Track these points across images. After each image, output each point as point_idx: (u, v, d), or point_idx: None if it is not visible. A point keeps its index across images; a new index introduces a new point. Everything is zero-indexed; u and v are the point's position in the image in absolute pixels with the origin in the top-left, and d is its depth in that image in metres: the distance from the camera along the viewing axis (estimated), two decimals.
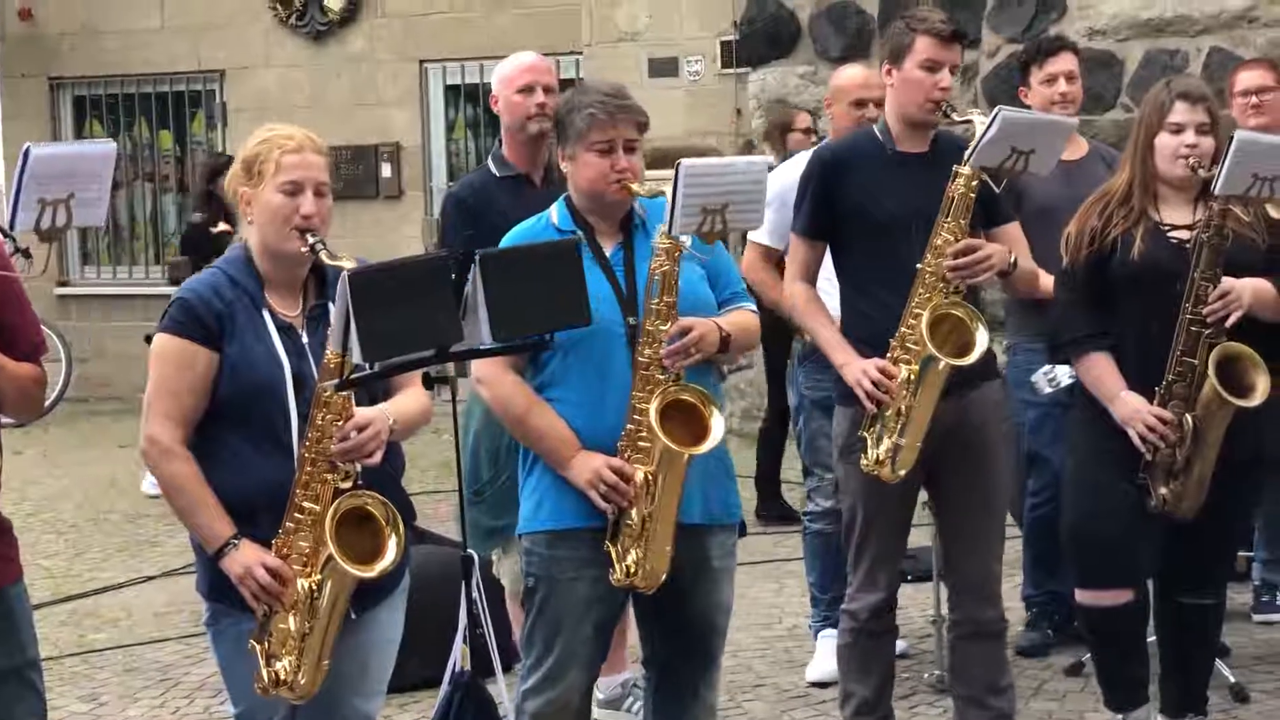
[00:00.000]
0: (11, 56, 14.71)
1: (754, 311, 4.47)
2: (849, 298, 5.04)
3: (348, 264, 3.68)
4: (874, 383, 4.72)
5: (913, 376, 4.68)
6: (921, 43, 4.84)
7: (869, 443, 4.78)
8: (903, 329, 4.70)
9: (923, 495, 5.20)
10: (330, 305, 3.78)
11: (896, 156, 4.93)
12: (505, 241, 4.30)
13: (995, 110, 4.64)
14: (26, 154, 3.49)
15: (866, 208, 4.91)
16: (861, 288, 4.98)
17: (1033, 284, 5.13)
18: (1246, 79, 6.51)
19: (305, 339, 3.85)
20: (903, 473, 4.77)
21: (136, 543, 8.78)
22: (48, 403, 4.32)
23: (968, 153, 4.61)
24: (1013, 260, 4.83)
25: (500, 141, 5.59)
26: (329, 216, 3.81)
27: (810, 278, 5.08)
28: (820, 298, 5.07)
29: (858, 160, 5.01)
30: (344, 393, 3.67)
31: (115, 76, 14.58)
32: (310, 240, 3.69)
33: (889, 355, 4.73)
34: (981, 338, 4.66)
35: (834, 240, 5.03)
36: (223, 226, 9.92)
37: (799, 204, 5.09)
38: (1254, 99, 6.36)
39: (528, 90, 5.35)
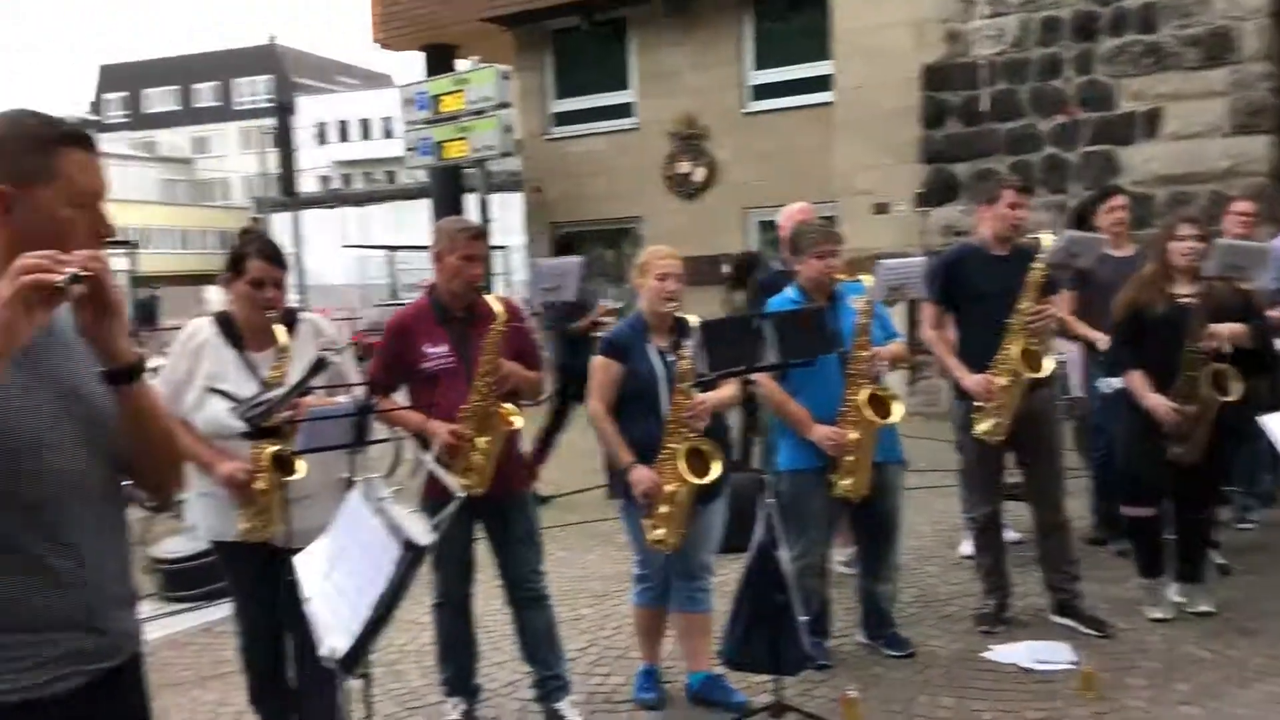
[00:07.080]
0: None
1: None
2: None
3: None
4: (987, 389, 6.26)
5: (1009, 383, 6.22)
6: (1006, 194, 6.45)
7: (978, 421, 6.38)
8: (997, 356, 6.25)
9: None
10: None
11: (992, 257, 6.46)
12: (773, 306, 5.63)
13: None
14: None
15: (973, 287, 6.42)
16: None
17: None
18: (1237, 205, 8.41)
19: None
20: (998, 438, 6.36)
21: None
22: None
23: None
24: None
25: None
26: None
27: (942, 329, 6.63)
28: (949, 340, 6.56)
29: (968, 258, 6.56)
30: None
31: None
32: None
33: (991, 370, 6.27)
34: (1047, 364, 6.24)
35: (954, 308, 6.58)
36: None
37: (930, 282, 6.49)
38: (1241, 217, 8.19)
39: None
